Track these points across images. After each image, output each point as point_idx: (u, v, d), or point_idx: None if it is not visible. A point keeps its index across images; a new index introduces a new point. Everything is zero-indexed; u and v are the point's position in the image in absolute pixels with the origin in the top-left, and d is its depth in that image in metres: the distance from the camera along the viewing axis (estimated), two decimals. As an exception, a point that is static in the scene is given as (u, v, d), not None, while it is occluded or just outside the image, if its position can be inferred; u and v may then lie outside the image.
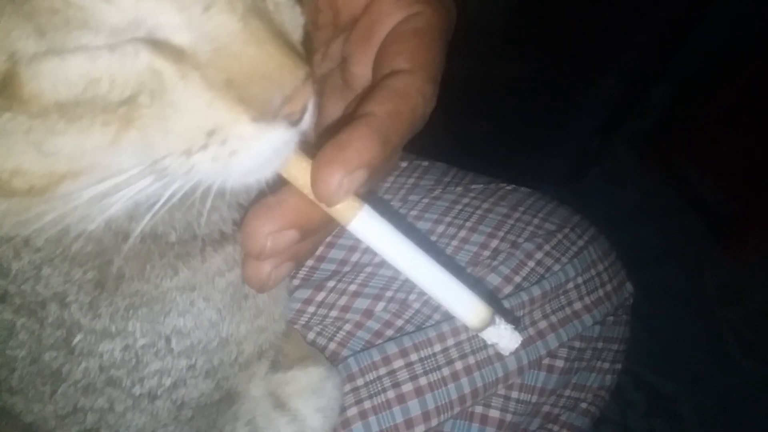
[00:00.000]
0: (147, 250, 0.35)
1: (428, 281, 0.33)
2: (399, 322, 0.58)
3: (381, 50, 0.37)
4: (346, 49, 0.40)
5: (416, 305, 0.58)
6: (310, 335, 0.59)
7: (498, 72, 1.34)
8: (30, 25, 0.24)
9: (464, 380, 0.55)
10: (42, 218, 0.29)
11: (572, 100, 1.46)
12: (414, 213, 0.62)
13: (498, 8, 1.29)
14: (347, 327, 0.58)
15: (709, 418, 1.47)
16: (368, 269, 0.59)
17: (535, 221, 0.63)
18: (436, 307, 0.58)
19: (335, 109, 0.40)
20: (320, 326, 0.59)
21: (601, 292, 0.62)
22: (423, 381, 0.55)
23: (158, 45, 0.26)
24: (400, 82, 0.34)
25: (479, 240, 0.61)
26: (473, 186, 0.65)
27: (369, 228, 0.32)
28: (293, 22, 0.30)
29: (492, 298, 0.57)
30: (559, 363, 0.59)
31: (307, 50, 0.31)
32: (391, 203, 0.63)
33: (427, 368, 0.55)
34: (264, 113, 0.27)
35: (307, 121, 0.29)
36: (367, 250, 0.57)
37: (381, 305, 0.58)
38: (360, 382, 0.55)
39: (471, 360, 0.56)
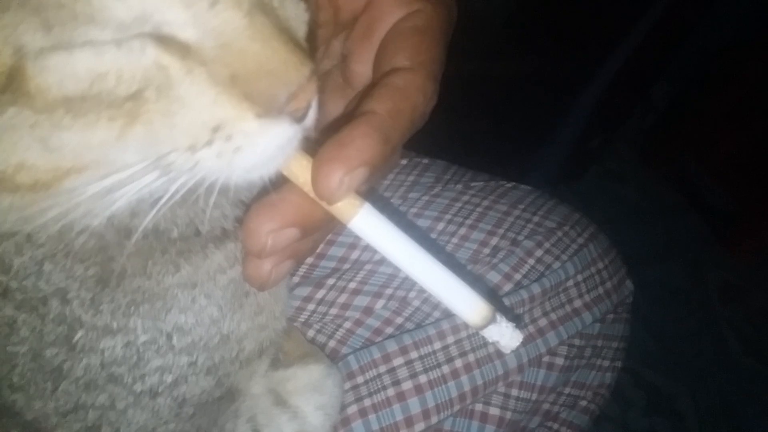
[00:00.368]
0: (149, 246, 0.35)
1: (429, 279, 0.33)
2: (399, 320, 0.58)
3: (381, 48, 0.37)
4: (346, 46, 0.40)
5: (416, 303, 0.58)
6: (310, 333, 0.59)
7: (498, 70, 1.34)
8: (37, 19, 0.24)
9: (464, 378, 0.55)
10: (46, 214, 0.29)
11: (572, 98, 1.46)
12: (414, 210, 0.62)
13: (498, 6, 1.29)
14: (347, 324, 0.58)
15: (710, 417, 1.47)
16: (368, 267, 0.59)
17: (535, 219, 0.63)
18: (436, 305, 0.58)
19: (336, 107, 0.40)
20: (320, 324, 0.59)
21: (601, 290, 0.62)
22: (423, 379, 0.55)
23: (164, 40, 0.26)
24: (401, 80, 0.34)
25: (479, 237, 0.61)
26: (473, 183, 0.65)
27: (369, 226, 0.32)
28: (298, 18, 0.30)
29: (492, 296, 0.57)
30: (559, 361, 0.59)
31: (311, 46, 0.31)
32: (391, 201, 0.63)
33: (427, 366, 0.55)
34: (269, 109, 0.27)
35: (311, 117, 0.29)
36: (367, 248, 0.57)
37: (381, 303, 0.58)
38: (360, 379, 0.55)
39: (471, 358, 0.56)
